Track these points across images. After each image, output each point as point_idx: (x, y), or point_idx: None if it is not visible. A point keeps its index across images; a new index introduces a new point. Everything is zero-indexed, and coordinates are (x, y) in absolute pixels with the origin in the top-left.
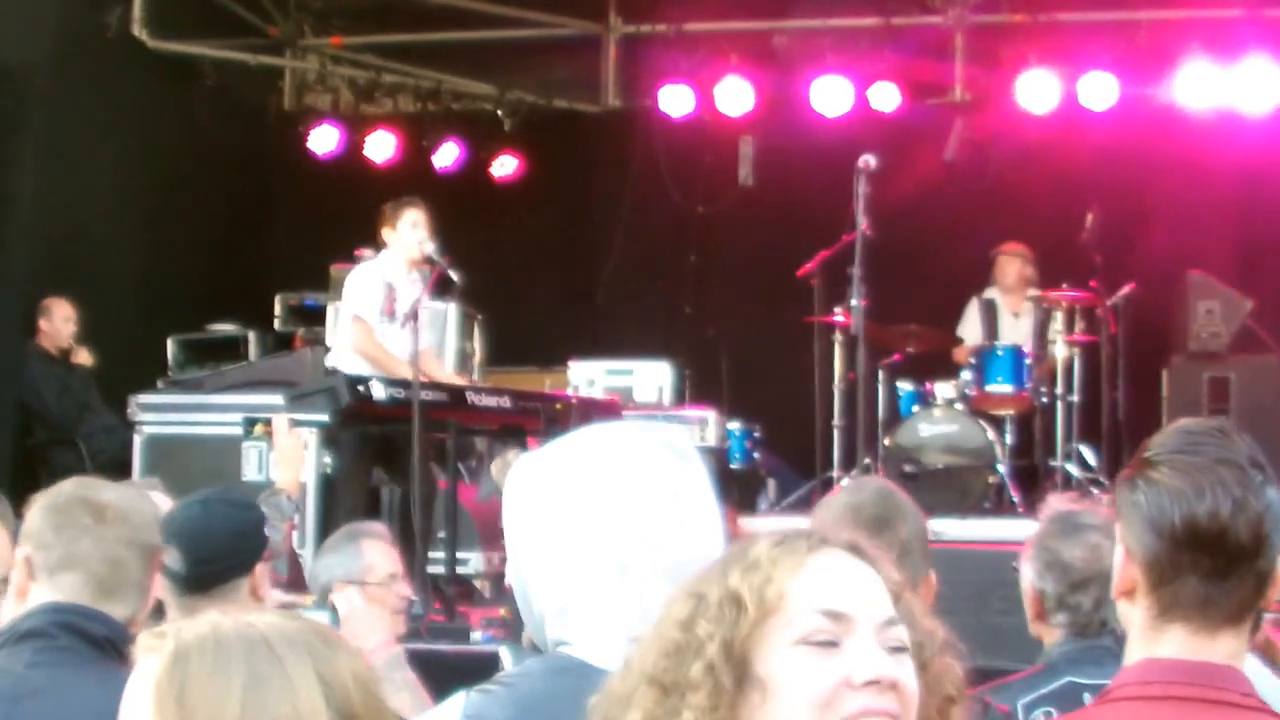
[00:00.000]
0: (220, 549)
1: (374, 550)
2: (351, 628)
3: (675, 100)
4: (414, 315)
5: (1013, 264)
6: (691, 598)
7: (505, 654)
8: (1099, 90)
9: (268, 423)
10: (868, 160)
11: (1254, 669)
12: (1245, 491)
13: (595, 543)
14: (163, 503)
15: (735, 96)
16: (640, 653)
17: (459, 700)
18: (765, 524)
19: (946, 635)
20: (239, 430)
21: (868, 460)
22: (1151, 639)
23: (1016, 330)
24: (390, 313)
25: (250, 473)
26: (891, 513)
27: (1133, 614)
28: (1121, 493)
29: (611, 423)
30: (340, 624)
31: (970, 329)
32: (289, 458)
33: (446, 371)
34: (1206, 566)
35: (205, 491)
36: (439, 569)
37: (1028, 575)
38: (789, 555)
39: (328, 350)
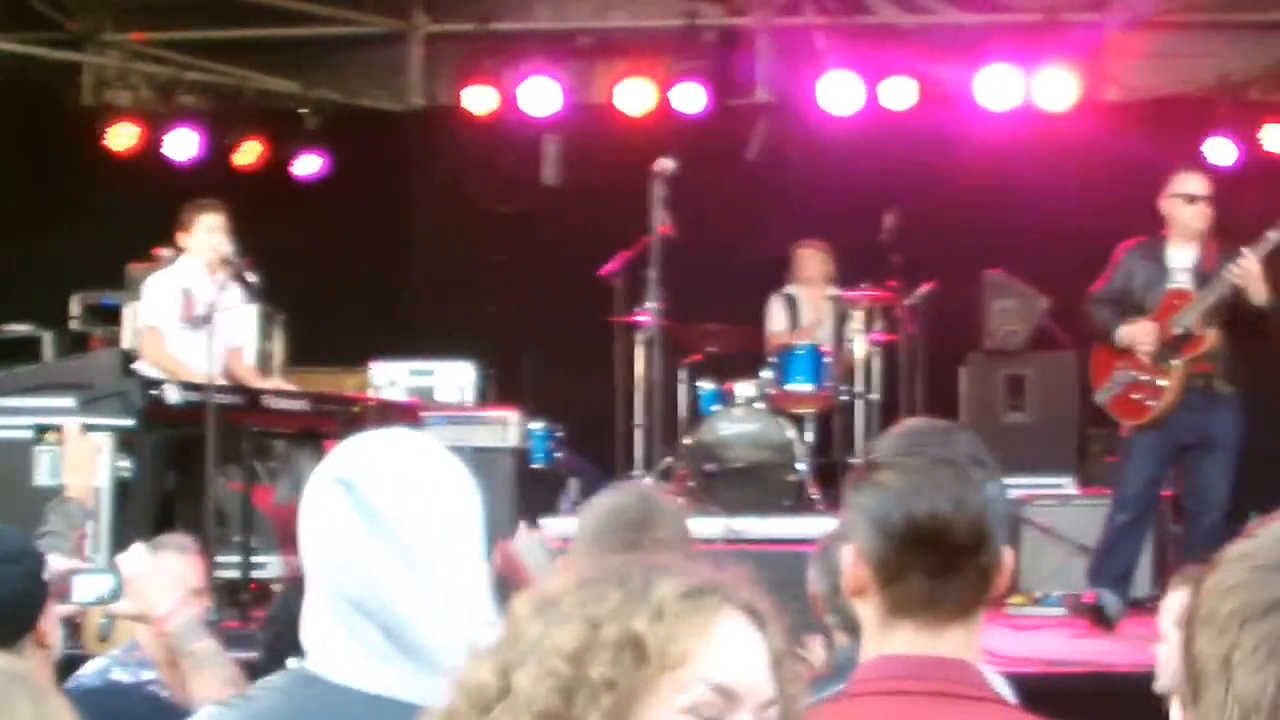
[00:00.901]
0: None
1: (172, 565)
2: (140, 590)
3: (479, 99)
4: (209, 318)
5: (812, 261)
6: (583, 627)
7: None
8: (900, 92)
9: (59, 428)
10: (664, 164)
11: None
12: (965, 490)
13: (333, 560)
14: None
15: (539, 96)
16: (526, 682)
17: (201, 715)
18: (565, 525)
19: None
20: (30, 434)
21: (669, 459)
22: (883, 636)
23: (816, 329)
24: (190, 318)
25: (41, 478)
26: (651, 515)
27: (865, 613)
28: (850, 495)
29: (373, 434)
30: (126, 588)
31: (777, 322)
32: (80, 463)
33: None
34: (930, 564)
35: None
36: (234, 573)
37: (811, 575)
38: (698, 612)
39: (125, 351)
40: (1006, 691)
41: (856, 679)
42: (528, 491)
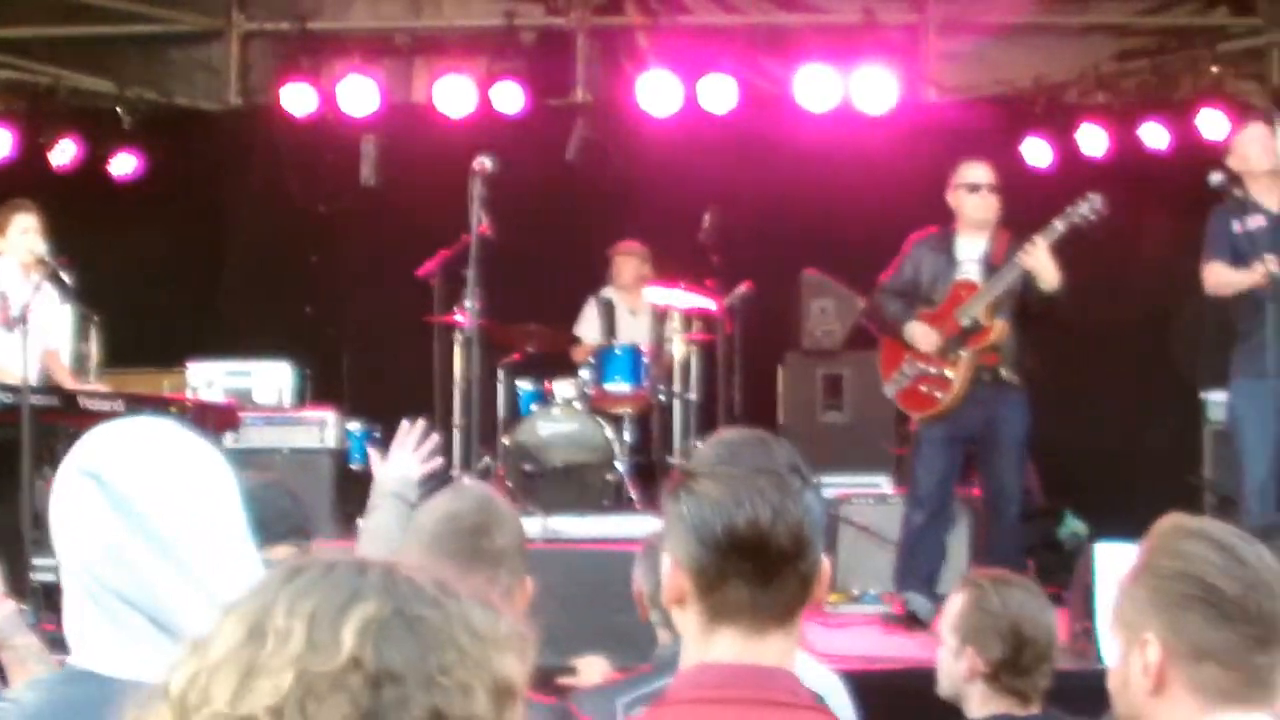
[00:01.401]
0: None
1: None
2: None
3: (297, 99)
4: (24, 319)
5: (630, 263)
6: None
7: None
8: (719, 92)
9: None
10: (483, 162)
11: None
12: (784, 498)
13: (90, 552)
14: None
15: (358, 96)
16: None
17: None
18: None
19: None
20: None
21: (487, 459)
22: (703, 644)
23: (635, 329)
24: (4, 320)
25: None
26: (490, 520)
27: (685, 621)
28: (667, 505)
29: (117, 424)
30: None
31: (589, 328)
32: None
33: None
34: (750, 572)
35: None
36: (51, 576)
37: (636, 575)
38: None
39: None
40: (840, 689)
41: (675, 687)
42: (346, 492)
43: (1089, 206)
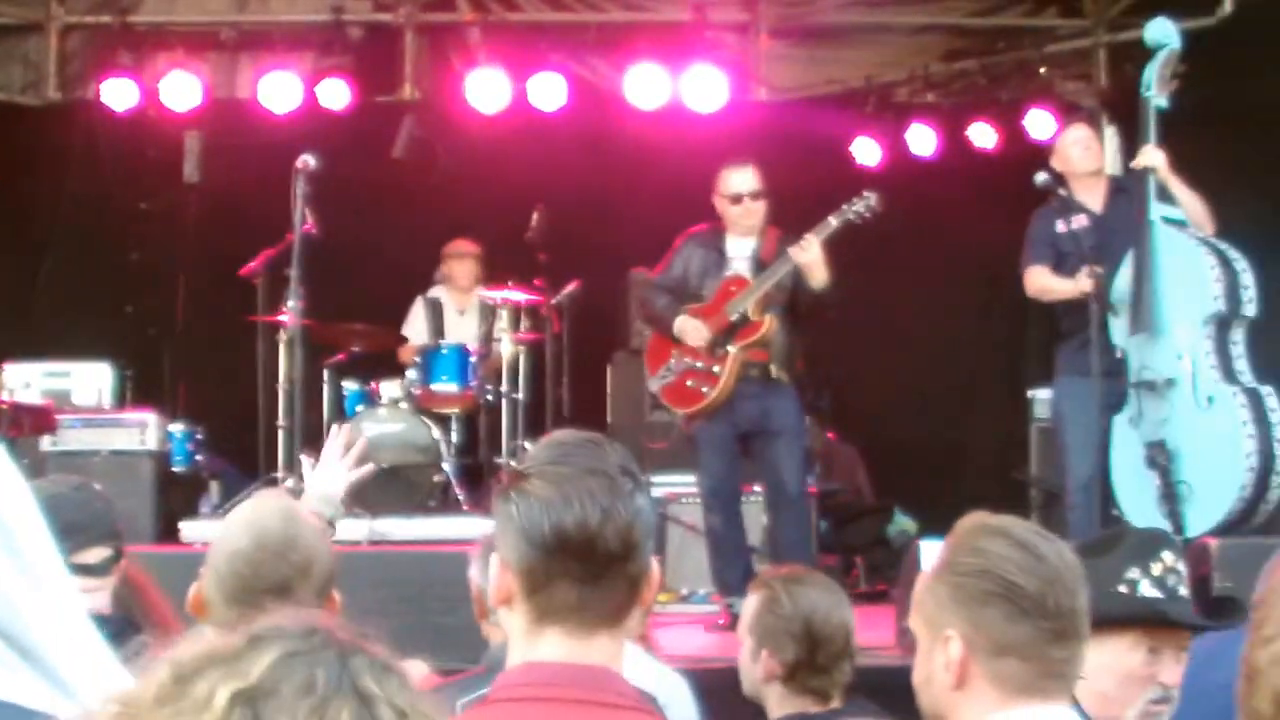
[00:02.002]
0: None
1: None
2: None
3: (118, 94)
4: None
5: (464, 263)
6: None
7: None
8: (548, 90)
9: None
10: (306, 160)
11: (637, 659)
12: (614, 500)
13: None
14: None
15: (181, 91)
16: None
17: None
18: (206, 528)
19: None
20: None
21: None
22: (530, 644)
23: (463, 329)
24: None
25: None
26: (295, 529)
27: (512, 622)
28: (498, 505)
29: None
30: None
31: (416, 328)
32: None
33: None
34: (578, 572)
35: None
36: None
37: (473, 574)
38: None
39: None
40: (684, 689)
41: (499, 685)
42: (167, 495)
43: (864, 204)
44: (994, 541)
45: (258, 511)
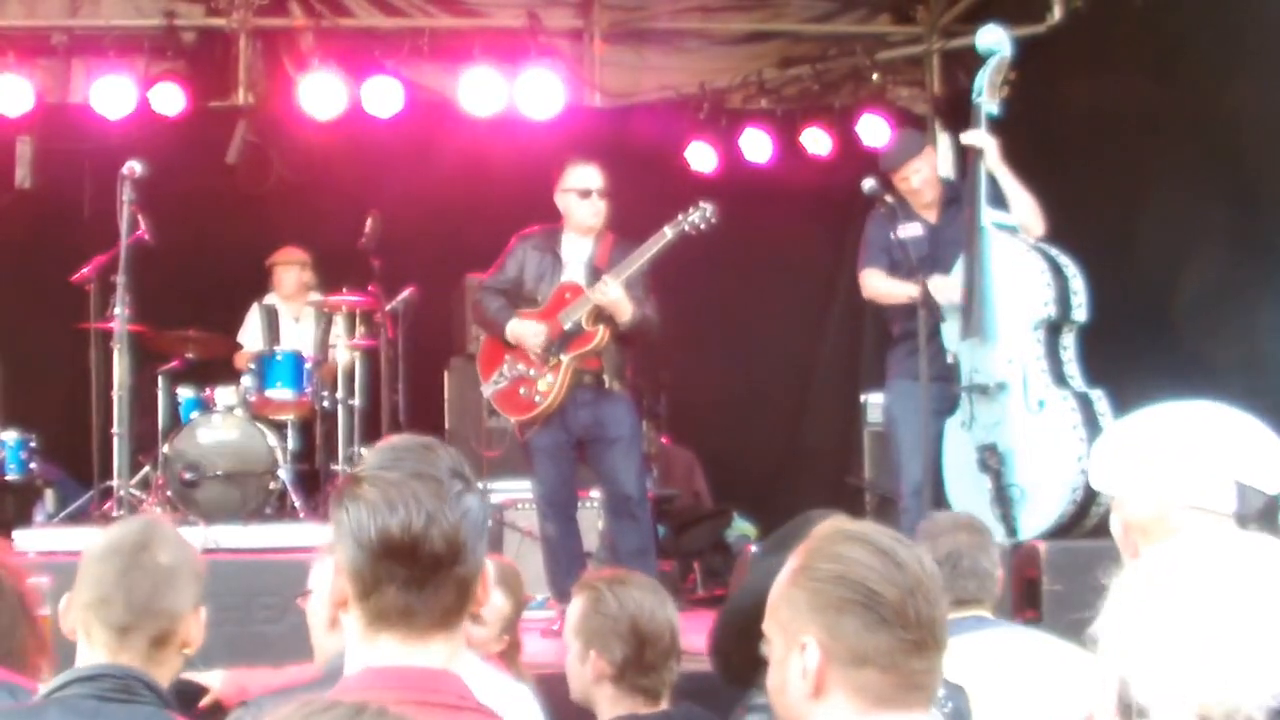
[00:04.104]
0: None
1: None
2: None
3: None
4: None
5: (290, 271)
6: None
7: None
8: (383, 96)
9: None
10: (132, 167)
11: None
12: (441, 503)
13: None
14: None
15: (12, 96)
16: None
17: None
18: (40, 537)
19: None
20: None
21: (147, 468)
22: (367, 648)
23: (298, 336)
24: None
25: None
26: (152, 538)
27: (349, 625)
28: (333, 509)
29: None
30: None
31: (251, 334)
32: None
33: None
34: (404, 576)
35: None
36: None
37: (313, 578)
38: None
39: None
40: (528, 696)
41: (340, 689)
42: (1, 503)
43: (700, 215)
44: (853, 548)
45: (124, 524)
